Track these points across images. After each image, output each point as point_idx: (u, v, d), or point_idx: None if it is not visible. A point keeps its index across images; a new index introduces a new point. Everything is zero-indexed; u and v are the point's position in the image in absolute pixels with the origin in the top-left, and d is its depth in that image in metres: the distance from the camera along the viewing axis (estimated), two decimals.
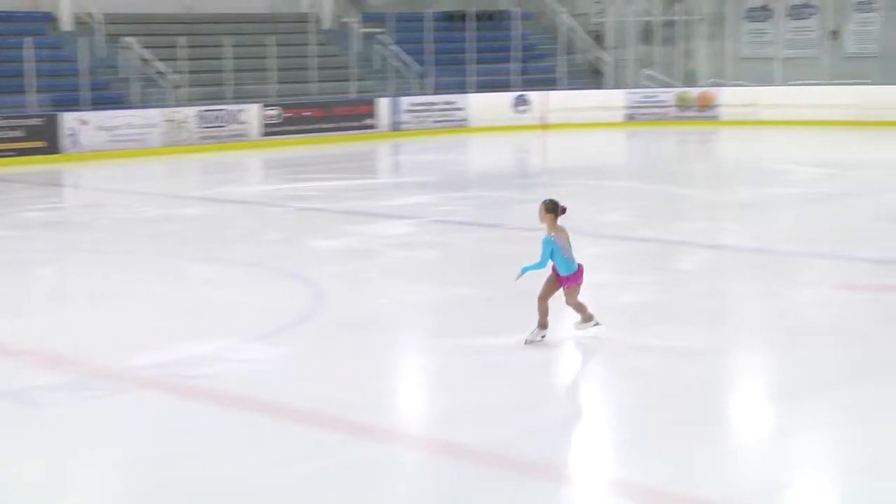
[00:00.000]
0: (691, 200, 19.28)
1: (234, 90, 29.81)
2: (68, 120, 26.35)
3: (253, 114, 29.39)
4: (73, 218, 18.99)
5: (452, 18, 35.64)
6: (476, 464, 6.99)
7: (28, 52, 26.83)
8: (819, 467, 6.99)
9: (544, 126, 32.95)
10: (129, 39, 29.17)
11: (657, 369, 8.97)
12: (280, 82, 30.67)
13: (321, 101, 31.08)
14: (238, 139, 29.00)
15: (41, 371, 9.11)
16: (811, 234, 15.11)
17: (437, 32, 34.35)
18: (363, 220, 16.92)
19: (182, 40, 29.35)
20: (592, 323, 9.57)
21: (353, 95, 32.00)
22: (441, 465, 7.06)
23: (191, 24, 31.44)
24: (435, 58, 33.71)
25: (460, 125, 32.69)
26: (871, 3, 33.87)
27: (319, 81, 31.54)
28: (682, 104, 33.99)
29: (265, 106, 29.69)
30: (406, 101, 32.12)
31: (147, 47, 29.24)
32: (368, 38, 33.80)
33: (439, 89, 33.10)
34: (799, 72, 33.89)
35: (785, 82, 33.87)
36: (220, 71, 29.82)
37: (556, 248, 9.32)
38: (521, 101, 33.33)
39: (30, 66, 26.86)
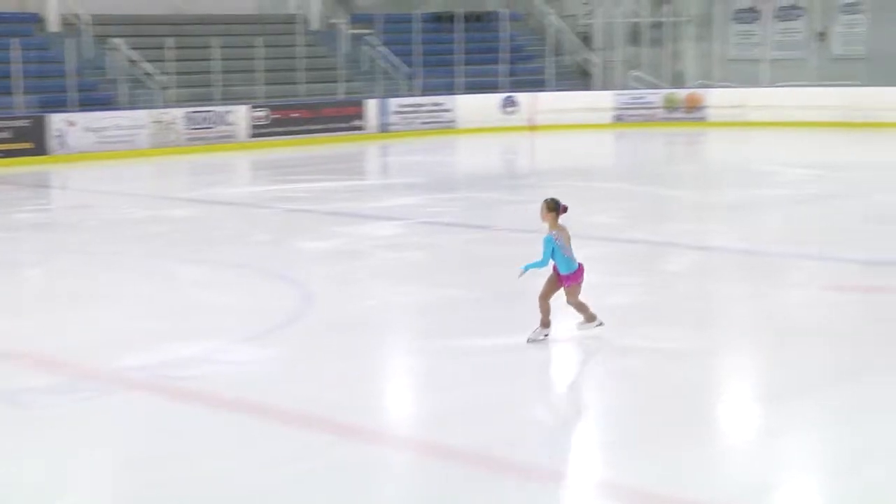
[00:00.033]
0: (679, 202, 19.31)
1: (221, 91, 29.77)
2: (56, 121, 26.28)
3: (241, 115, 29.35)
4: (61, 219, 18.94)
5: (440, 20, 35.64)
6: (464, 465, 6.99)
7: (15, 54, 26.74)
8: (807, 468, 7.01)
9: (532, 127, 32.97)
10: (116, 40, 29.11)
11: (645, 370, 8.98)
12: (268, 83, 30.63)
13: (309, 102, 31.05)
14: (226, 140, 28.95)
15: (30, 373, 9.09)
16: (799, 235, 15.15)
17: (425, 34, 34.35)
18: (351, 221, 16.91)
19: (170, 41, 29.30)
20: (595, 323, 9.58)
21: (341, 97, 31.98)
22: (429, 467, 7.06)
23: (178, 25, 31.39)
24: (423, 59, 33.71)
25: (448, 126, 32.70)
26: (857, 5, 33.98)
27: (307, 83, 31.52)
28: (670, 105, 34.05)
29: (253, 107, 29.66)
30: (394, 103, 32.11)
31: (135, 48, 29.18)
32: (356, 39, 33.78)
33: (427, 91, 33.10)
34: (786, 73, 33.97)
35: (772, 84, 33.95)
36: (208, 72, 29.77)
37: (557, 246, 9.34)
38: (509, 103, 33.35)
39: (17, 68, 26.78)
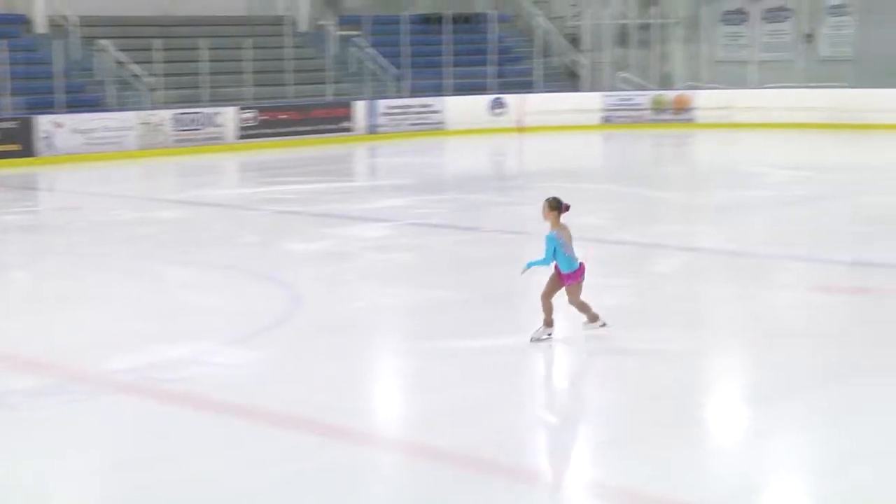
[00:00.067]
0: (667, 203, 19.34)
1: (210, 93, 29.71)
2: (43, 123, 26.20)
3: (229, 117, 29.31)
4: (49, 221, 18.89)
5: (429, 21, 35.64)
6: (453, 466, 6.99)
7: (2, 55, 26.66)
8: (795, 469, 7.03)
9: (521, 129, 33.00)
10: (104, 42, 29.04)
11: (634, 372, 9.00)
12: (256, 85, 30.59)
13: (297, 103, 31.02)
14: (214, 142, 28.90)
15: (17, 374, 9.06)
16: (787, 236, 15.18)
17: (413, 35, 34.34)
18: (340, 222, 16.90)
19: (157, 43, 29.24)
20: (599, 323, 9.59)
21: (329, 98, 31.95)
22: (418, 468, 7.06)
23: (166, 26, 31.32)
24: (411, 60, 33.71)
25: (437, 128, 32.69)
26: (844, 7, 34.09)
27: (296, 84, 31.48)
28: (658, 107, 34.10)
29: (241, 109, 29.61)
30: (383, 104, 32.10)
31: (122, 50, 29.12)
32: (345, 40, 33.76)
33: (416, 92, 33.09)
34: (774, 75, 34.05)
35: (760, 85, 34.03)
36: (196, 74, 29.72)
37: (558, 245, 9.36)
38: (497, 104, 33.36)
39: (4, 69, 26.70)
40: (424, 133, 32.27)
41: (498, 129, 32.76)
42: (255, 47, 30.81)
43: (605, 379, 8.99)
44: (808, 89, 32.58)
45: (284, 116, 30.37)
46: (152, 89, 28.96)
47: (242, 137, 29.43)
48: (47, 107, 26.84)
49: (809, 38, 34.63)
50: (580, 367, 9.38)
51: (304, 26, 34.33)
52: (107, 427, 7.79)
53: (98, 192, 22.01)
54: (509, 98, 33.44)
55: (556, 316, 9.57)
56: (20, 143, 25.82)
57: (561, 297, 9.54)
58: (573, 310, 9.60)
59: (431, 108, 32.78)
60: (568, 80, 36.72)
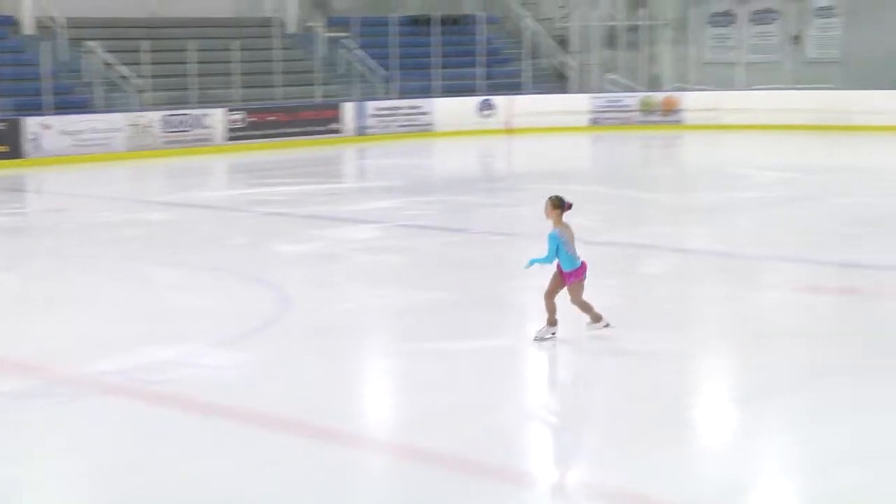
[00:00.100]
0: (656, 204, 19.37)
1: (198, 94, 29.67)
2: (31, 124, 26.14)
3: (217, 118, 29.28)
4: (37, 223, 18.85)
5: (417, 23, 35.64)
6: (442, 468, 7.00)
7: None
8: (782, 469, 7.05)
9: (509, 130, 33.02)
10: (92, 43, 28.98)
11: (622, 372, 9.02)
12: (245, 87, 30.55)
13: (286, 105, 31.00)
14: (202, 144, 28.86)
15: (3, 377, 9.05)
16: (774, 237, 15.23)
17: (402, 37, 34.34)
18: (328, 224, 16.89)
19: (146, 44, 29.18)
20: (602, 324, 9.61)
21: (318, 100, 31.93)
22: (407, 469, 7.07)
23: (154, 28, 31.27)
24: (400, 62, 33.71)
25: (425, 129, 32.70)
26: (831, 9, 34.19)
27: (284, 86, 31.46)
28: (646, 108, 34.15)
29: (230, 110, 29.58)
30: (371, 106, 32.09)
31: (110, 51, 29.06)
32: (333, 42, 33.74)
33: (404, 94, 33.09)
34: (761, 76, 34.13)
35: (747, 87, 34.11)
36: (185, 75, 29.68)
37: (561, 243, 9.38)
38: (486, 106, 33.38)
39: None
40: (413, 135, 32.27)
41: (486, 131, 32.78)
42: (243, 49, 30.77)
43: (592, 380, 9.00)
44: (795, 91, 32.68)
45: (273, 118, 30.34)
46: (140, 91, 28.91)
47: (231, 139, 29.40)
48: (35, 108, 26.77)
49: (796, 40, 34.72)
50: (568, 368, 9.39)
51: (292, 28, 34.31)
52: (94, 429, 7.78)
53: (86, 194, 21.97)
54: (498, 99, 33.45)
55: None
56: (8, 145, 25.75)
57: (562, 298, 9.54)
58: (575, 309, 9.62)
59: (420, 110, 32.79)
60: (556, 81, 36.76)
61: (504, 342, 9.87)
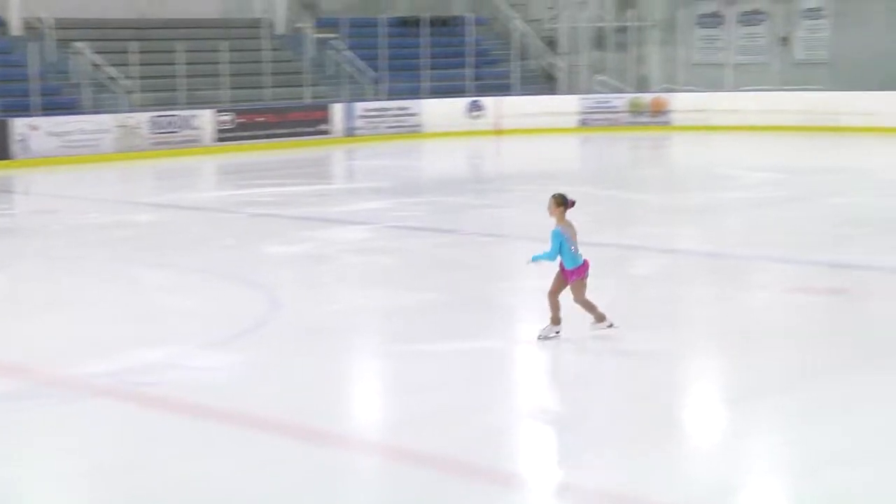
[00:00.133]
0: (645, 205, 19.39)
1: (186, 96, 29.62)
2: (18, 125, 26.05)
3: (206, 119, 29.23)
4: (24, 224, 18.78)
5: (406, 24, 35.63)
6: (432, 468, 7.00)
7: None
8: (772, 469, 7.06)
9: (498, 131, 33.03)
10: (79, 44, 28.90)
11: (611, 373, 9.03)
12: (233, 88, 30.50)
13: (275, 106, 30.96)
14: (191, 145, 28.81)
15: None
16: (763, 238, 15.26)
17: (390, 38, 34.33)
18: (318, 225, 16.88)
19: (134, 45, 29.11)
20: (606, 324, 9.62)
21: (307, 101, 31.90)
22: (397, 470, 7.06)
23: (143, 29, 31.20)
24: (389, 63, 33.70)
25: (414, 131, 32.69)
26: (819, 11, 34.28)
27: (273, 87, 31.41)
28: (635, 110, 34.20)
29: (218, 111, 29.53)
30: (360, 107, 32.07)
31: (98, 52, 28.99)
32: (322, 43, 33.71)
33: (393, 95, 33.08)
34: (749, 78, 34.21)
35: (736, 88, 34.18)
36: (173, 76, 29.62)
37: (564, 240, 9.39)
38: (475, 107, 33.39)
39: None
40: (402, 136, 32.26)
41: (475, 132, 32.78)
42: (231, 50, 30.73)
43: (583, 380, 9.01)
44: (783, 92, 32.76)
45: (262, 119, 30.30)
46: (129, 92, 28.85)
47: (220, 140, 29.34)
48: (23, 109, 26.68)
49: (785, 41, 34.81)
50: (558, 369, 9.39)
51: (281, 29, 34.27)
52: (85, 431, 7.76)
53: (74, 196, 21.91)
54: (486, 101, 33.46)
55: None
56: None
57: (565, 298, 9.56)
58: (579, 308, 9.63)
59: (409, 111, 32.78)
60: (545, 82, 36.78)
61: (494, 343, 9.88)
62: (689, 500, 6.47)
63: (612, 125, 33.93)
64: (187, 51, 29.67)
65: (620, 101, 34.46)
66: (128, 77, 28.91)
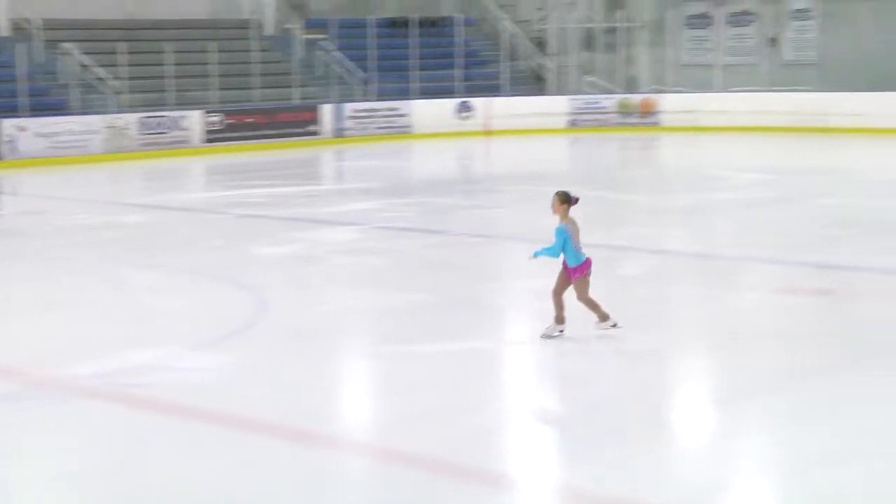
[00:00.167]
0: (634, 206, 19.42)
1: (175, 96, 29.57)
2: (6, 126, 25.98)
3: (195, 120, 29.19)
4: (12, 225, 18.72)
5: (395, 25, 35.63)
6: (421, 469, 7.00)
7: None
8: (759, 470, 7.08)
9: (487, 132, 33.05)
10: (68, 45, 28.83)
11: (601, 373, 9.04)
12: (222, 88, 30.47)
13: (264, 107, 30.93)
14: (180, 146, 28.77)
15: None
16: (752, 239, 15.29)
17: (379, 39, 34.32)
18: (307, 226, 16.87)
19: (122, 46, 29.06)
20: (610, 324, 9.63)
21: (296, 102, 31.87)
22: (386, 471, 7.06)
23: (131, 30, 31.14)
24: (378, 64, 33.69)
25: (404, 131, 32.69)
26: (808, 12, 34.37)
27: (262, 88, 31.38)
28: (624, 110, 34.25)
29: (207, 112, 29.49)
30: (349, 108, 32.07)
31: (87, 53, 28.92)
32: (311, 44, 33.69)
33: (382, 96, 33.08)
34: (738, 79, 34.29)
35: (724, 89, 34.24)
36: (162, 77, 29.57)
37: (568, 237, 9.41)
38: (464, 108, 33.40)
39: None
40: (391, 136, 32.26)
41: (464, 133, 32.79)
42: (220, 51, 30.69)
43: (572, 381, 9.01)
44: (772, 93, 32.84)
45: (251, 120, 30.27)
46: (117, 93, 28.79)
47: (208, 141, 29.30)
48: (11, 110, 26.61)
49: (773, 42, 34.89)
50: (547, 370, 9.39)
51: (270, 30, 34.24)
52: (74, 433, 7.74)
53: (62, 196, 21.86)
54: (476, 101, 33.48)
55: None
56: None
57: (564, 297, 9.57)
58: (602, 307, 9.64)
59: (398, 112, 32.78)
60: (534, 83, 36.81)
61: (483, 344, 9.88)
62: (678, 501, 6.48)
63: (602, 126, 33.97)
64: (176, 51, 29.63)
65: (610, 101, 34.51)
66: (116, 78, 28.85)
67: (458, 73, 34.47)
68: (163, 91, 29.49)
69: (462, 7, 37.67)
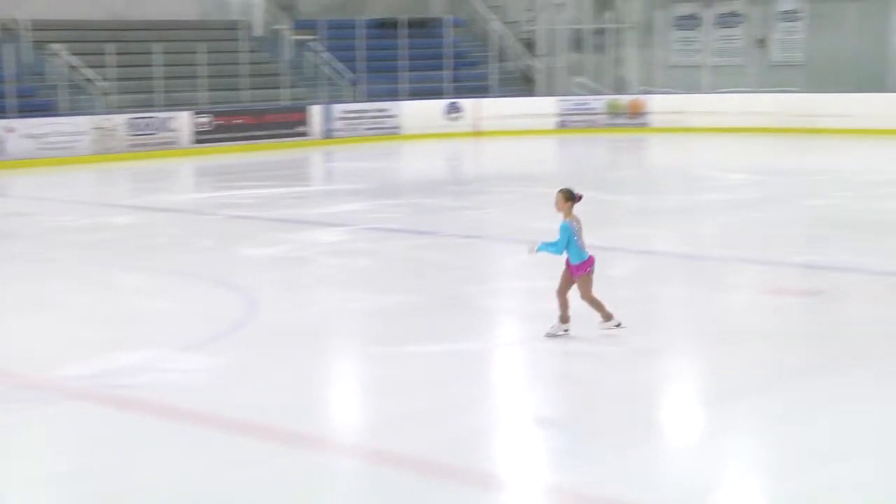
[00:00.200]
0: (622, 207, 19.45)
1: (164, 97, 29.53)
2: None
3: (183, 121, 29.14)
4: (0, 227, 18.66)
5: (384, 26, 35.63)
6: (410, 470, 7.00)
7: None
8: (748, 470, 7.10)
9: (477, 133, 33.06)
10: (56, 46, 28.77)
11: (590, 374, 9.05)
12: (211, 89, 30.42)
13: (253, 108, 30.90)
14: (168, 147, 28.73)
15: None
16: (739, 239, 15.32)
17: (368, 40, 34.32)
18: (296, 227, 16.86)
19: (111, 47, 29.00)
20: (614, 323, 9.64)
21: (285, 103, 31.85)
22: (376, 472, 7.06)
23: (119, 30, 31.08)
24: (367, 65, 33.69)
25: (393, 132, 32.69)
26: (795, 13, 34.46)
27: (251, 89, 31.35)
28: (613, 111, 34.30)
29: (196, 113, 29.45)
30: (338, 109, 32.05)
31: (75, 54, 28.87)
32: (300, 45, 33.68)
33: (371, 97, 33.08)
34: (726, 79, 34.37)
35: (713, 90, 34.32)
36: (150, 78, 29.52)
37: (571, 234, 9.43)
38: (453, 109, 33.41)
39: None
40: (380, 137, 32.26)
41: (454, 134, 32.80)
42: (209, 52, 30.64)
43: (561, 381, 9.02)
44: (759, 94, 32.93)
45: (240, 121, 30.24)
46: (105, 94, 28.73)
47: (197, 142, 29.27)
48: None
49: (761, 43, 34.97)
50: (536, 370, 9.40)
51: (258, 30, 34.21)
52: (62, 434, 7.73)
53: (51, 198, 21.81)
54: (465, 102, 33.49)
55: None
56: None
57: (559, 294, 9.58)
58: (607, 307, 9.65)
59: (387, 113, 32.78)
60: (523, 84, 36.84)
61: (473, 345, 9.89)
62: (667, 502, 6.49)
63: (591, 127, 34.02)
64: (164, 52, 29.58)
65: (598, 102, 34.56)
66: (105, 79, 28.80)
67: (447, 74, 34.49)
68: (151, 92, 29.44)
69: (451, 8, 37.69)
